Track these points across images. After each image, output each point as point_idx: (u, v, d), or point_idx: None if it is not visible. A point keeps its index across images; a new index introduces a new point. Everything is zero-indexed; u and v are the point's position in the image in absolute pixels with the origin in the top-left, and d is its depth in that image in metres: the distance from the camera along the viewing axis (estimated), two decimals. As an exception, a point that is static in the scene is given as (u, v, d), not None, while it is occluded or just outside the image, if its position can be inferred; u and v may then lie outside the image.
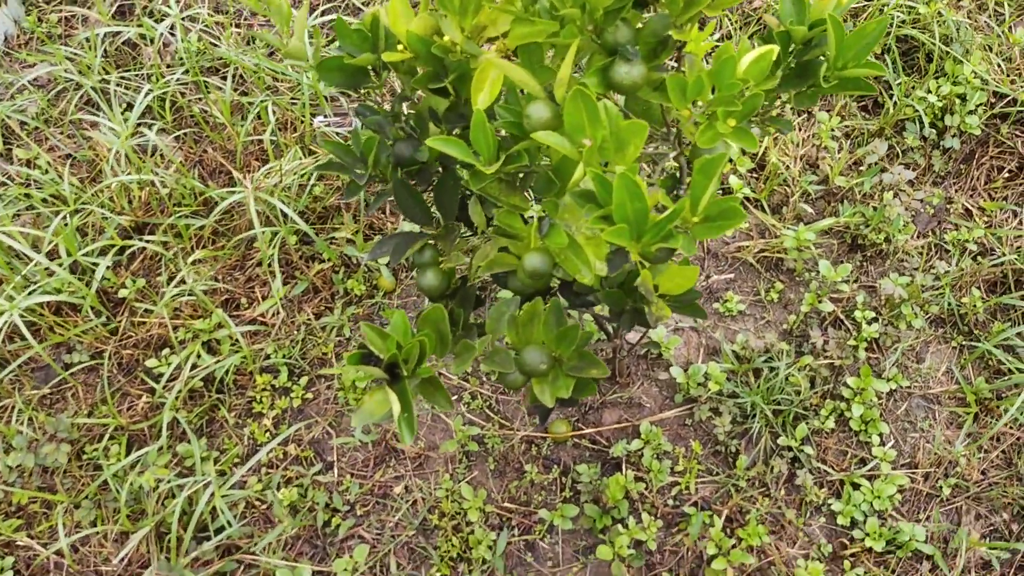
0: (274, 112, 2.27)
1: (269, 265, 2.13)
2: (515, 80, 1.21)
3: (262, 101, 2.26)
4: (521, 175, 1.32)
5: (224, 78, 2.39)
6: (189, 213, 2.18)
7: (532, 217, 1.38)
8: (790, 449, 1.93)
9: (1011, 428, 1.93)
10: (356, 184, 1.50)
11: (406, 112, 1.56)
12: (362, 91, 1.50)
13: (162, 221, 2.17)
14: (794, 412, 1.94)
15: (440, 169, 1.56)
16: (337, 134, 2.27)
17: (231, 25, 2.50)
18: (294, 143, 2.24)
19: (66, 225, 2.12)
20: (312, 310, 2.13)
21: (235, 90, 2.37)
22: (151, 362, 2.04)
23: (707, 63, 1.20)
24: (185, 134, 2.33)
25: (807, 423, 1.93)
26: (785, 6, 1.22)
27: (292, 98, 2.32)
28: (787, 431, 1.93)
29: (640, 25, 1.18)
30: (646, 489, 1.87)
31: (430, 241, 1.56)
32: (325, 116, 2.31)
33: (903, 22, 2.31)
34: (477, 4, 1.28)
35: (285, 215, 2.11)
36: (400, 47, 1.38)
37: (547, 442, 1.96)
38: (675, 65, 2.19)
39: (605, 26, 1.15)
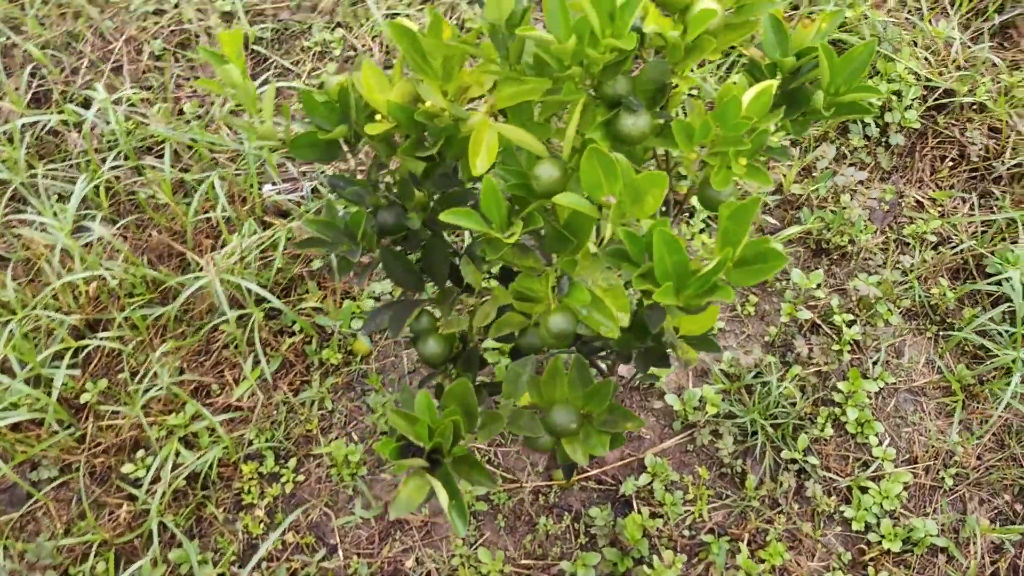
0: (221, 186, 2.18)
1: (237, 346, 2.04)
2: (517, 142, 1.18)
3: (207, 176, 2.17)
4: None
5: (160, 156, 2.29)
6: (144, 303, 2.08)
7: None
8: (795, 461, 1.94)
9: (999, 412, 1.98)
10: (348, 261, 1.44)
11: (383, 179, 1.51)
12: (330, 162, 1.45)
13: (115, 315, 2.05)
14: (792, 423, 1.95)
15: (428, 233, 1.52)
16: (290, 201, 2.19)
17: (158, 100, 2.40)
18: (246, 216, 2.16)
19: (13, 334, 1.99)
20: (288, 387, 2.05)
21: (173, 167, 2.27)
22: (127, 467, 1.92)
23: (691, 99, 1.20)
24: (127, 220, 2.22)
25: (806, 433, 1.95)
26: (768, 37, 1.22)
27: (236, 169, 2.23)
28: (788, 443, 1.94)
29: (635, 72, 1.17)
30: (663, 524, 1.85)
31: (426, 307, 1.51)
32: (274, 184, 2.24)
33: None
34: (458, 62, 1.25)
35: (251, 292, 2.02)
36: (379, 117, 1.34)
37: (553, 489, 1.92)
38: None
39: (604, 80, 1.12)
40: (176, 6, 2.47)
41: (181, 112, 2.35)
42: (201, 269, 2.03)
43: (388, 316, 1.52)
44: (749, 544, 1.85)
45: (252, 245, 2.01)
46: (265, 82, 2.42)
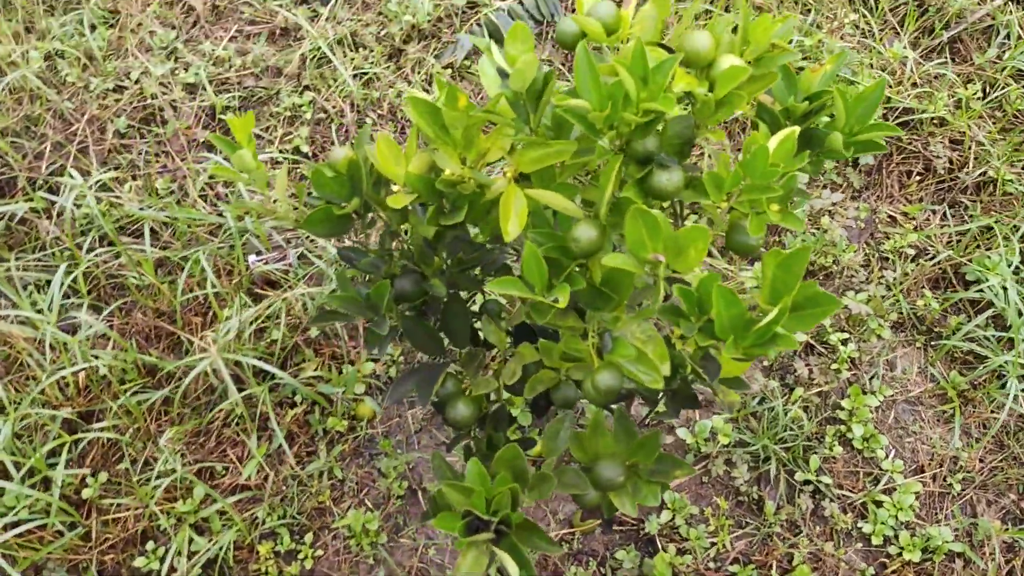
0: (207, 261, 2.14)
1: (239, 424, 2.00)
2: (552, 206, 1.19)
3: (191, 253, 2.13)
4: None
5: (136, 236, 2.24)
6: (137, 389, 2.02)
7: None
8: (808, 482, 1.97)
9: (995, 412, 2.05)
10: (377, 335, 1.43)
11: (395, 247, 1.51)
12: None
13: (109, 404, 1.99)
14: (802, 445, 1.99)
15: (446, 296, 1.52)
16: (277, 271, 2.16)
17: (128, 179, 2.36)
18: (235, 289, 2.12)
19: (3, 435, 1.92)
20: (296, 459, 2.01)
21: (152, 246, 2.22)
22: (139, 561, 1.86)
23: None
24: (112, 307, 2.17)
25: (816, 453, 1.98)
26: (779, 84, 1.26)
27: (220, 242, 2.20)
28: (800, 465, 1.97)
29: (660, 128, 1.19)
30: (692, 559, 1.86)
31: (450, 370, 1.51)
32: (259, 254, 2.20)
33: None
34: (477, 130, 1.26)
35: (251, 367, 1.98)
36: (396, 188, 1.34)
37: (576, 536, 1.92)
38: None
39: (634, 139, 1.14)
40: (137, 82, 2.43)
41: (155, 190, 2.31)
42: (194, 348, 1.99)
43: (413, 383, 1.51)
44: (775, 570, 1.87)
45: (248, 320, 1.98)
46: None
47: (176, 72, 2.46)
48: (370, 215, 1.47)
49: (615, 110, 1.06)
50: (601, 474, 1.30)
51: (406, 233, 1.51)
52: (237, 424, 2.01)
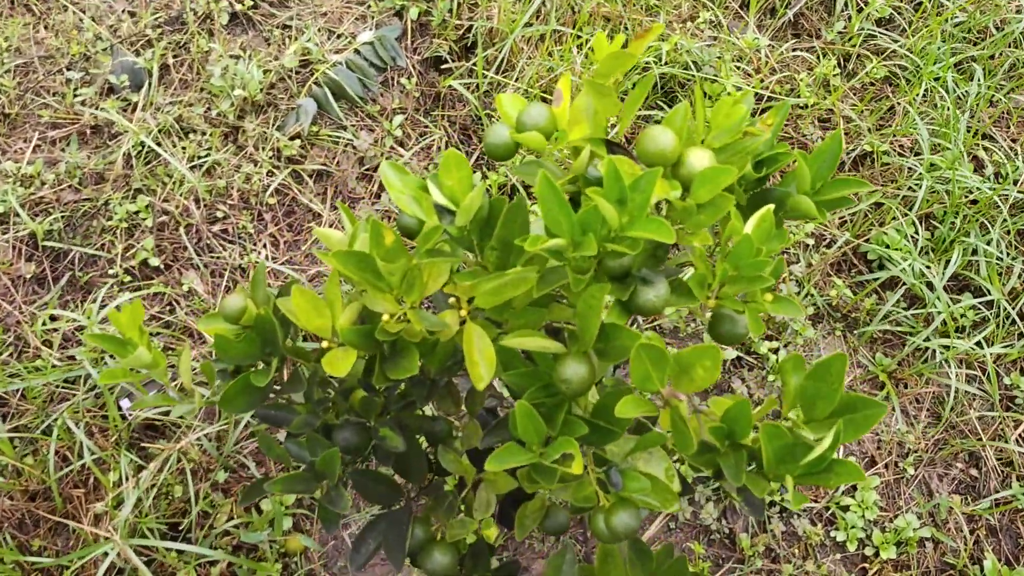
0: (77, 425, 1.84)
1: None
2: (531, 348, 1.03)
3: (52, 418, 1.82)
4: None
5: (-23, 408, 1.90)
6: (25, 592, 1.71)
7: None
8: (773, 503, 1.92)
9: (924, 387, 2.07)
10: (332, 513, 1.23)
11: (331, 395, 1.32)
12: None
13: (-5, 620, 1.68)
14: (759, 468, 1.93)
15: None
16: (159, 414, 1.89)
17: (-52, 340, 1.99)
18: (115, 448, 1.83)
19: None
20: (233, 622, 1.77)
21: (2, 416, 1.89)
22: None
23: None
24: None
25: (774, 472, 1.93)
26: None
27: (84, 394, 1.89)
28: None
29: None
30: (687, 622, 1.77)
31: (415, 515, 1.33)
32: (129, 397, 1.92)
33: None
34: (419, 272, 1.09)
35: (161, 533, 1.72)
36: (324, 344, 1.15)
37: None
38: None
39: (608, 258, 1.00)
40: (-69, 222, 2.05)
41: (-14, 349, 1.96)
42: (87, 533, 1.70)
43: (377, 541, 1.33)
44: (769, 606, 1.82)
45: (145, 486, 1.71)
46: (72, 281, 2.07)
47: (-22, 203, 2.10)
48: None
49: (591, 243, 0.92)
50: (624, 612, 1.17)
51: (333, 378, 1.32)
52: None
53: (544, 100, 2.36)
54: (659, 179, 0.96)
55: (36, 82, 2.32)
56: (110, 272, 2.07)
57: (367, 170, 2.34)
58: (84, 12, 2.44)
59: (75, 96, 2.28)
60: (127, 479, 1.76)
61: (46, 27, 2.43)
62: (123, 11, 2.45)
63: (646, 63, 2.30)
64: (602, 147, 1.07)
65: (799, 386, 0.95)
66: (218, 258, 2.13)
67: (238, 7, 2.43)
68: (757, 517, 1.06)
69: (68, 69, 2.34)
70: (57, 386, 1.90)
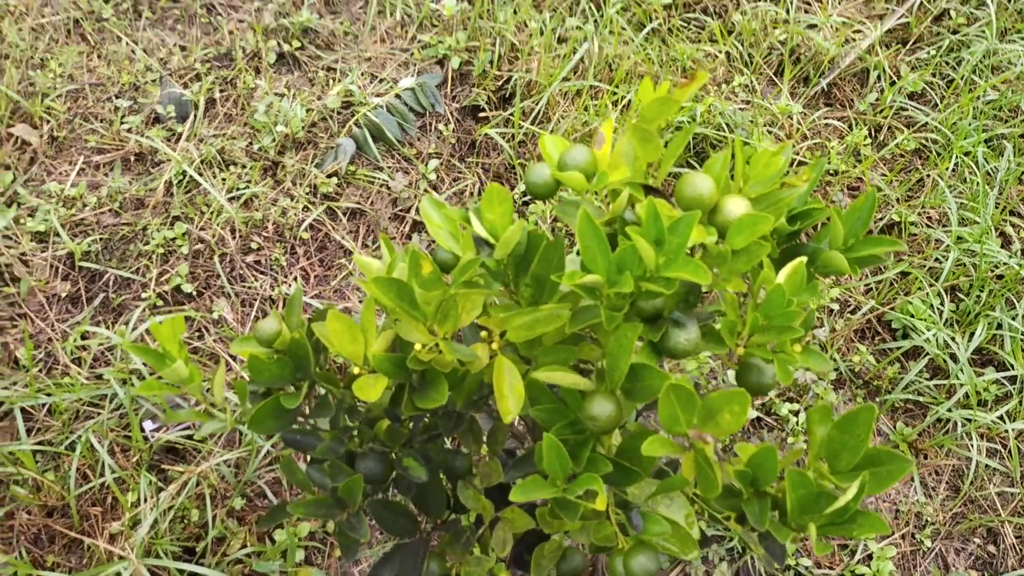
0: (101, 443, 1.86)
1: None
2: (560, 383, 1.05)
3: (79, 432, 1.84)
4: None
5: (4, 418, 1.92)
6: (35, 607, 1.71)
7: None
8: (789, 567, 1.90)
9: (944, 459, 2.05)
10: (353, 540, 1.24)
11: (357, 424, 1.33)
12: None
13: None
14: (775, 530, 1.92)
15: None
16: (182, 437, 1.90)
17: (-19, 352, 2.03)
18: (136, 469, 1.85)
19: None
20: (238, 652, 1.75)
21: (27, 430, 1.91)
22: None
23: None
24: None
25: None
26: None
27: (109, 413, 1.91)
28: (778, 551, 1.90)
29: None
30: None
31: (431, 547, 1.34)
32: (155, 420, 1.94)
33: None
34: (455, 303, 1.11)
35: (175, 555, 1.72)
36: (356, 370, 1.17)
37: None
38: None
39: (642, 299, 1.02)
40: (-25, 236, 2.11)
41: (16, 362, 1.99)
42: (101, 551, 1.70)
43: (392, 573, 1.33)
44: (779, 671, 1.79)
45: (163, 508, 1.72)
46: (105, 302, 2.11)
47: (21, 221, 2.15)
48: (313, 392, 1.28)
49: (628, 281, 0.94)
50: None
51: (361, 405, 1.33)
52: (162, 625, 1.74)
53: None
54: (696, 223, 0.98)
55: (85, 108, 2.40)
56: (143, 296, 2.11)
57: (400, 211, 2.38)
58: (137, 43, 2.52)
59: (122, 123, 2.35)
60: (145, 500, 1.77)
61: (99, 56, 2.52)
62: (175, 44, 2.54)
63: (679, 122, 2.34)
64: (640, 190, 1.09)
65: (825, 436, 0.96)
66: (249, 288, 2.17)
67: (286, 48, 2.51)
68: (777, 565, 1.06)
69: (117, 97, 2.42)
70: (83, 404, 1.92)
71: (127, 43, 2.51)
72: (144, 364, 1.98)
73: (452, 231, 1.13)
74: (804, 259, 1.08)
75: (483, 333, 1.16)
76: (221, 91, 2.43)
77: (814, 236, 1.21)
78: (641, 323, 1.05)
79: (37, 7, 2.57)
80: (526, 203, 2.39)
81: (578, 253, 1.27)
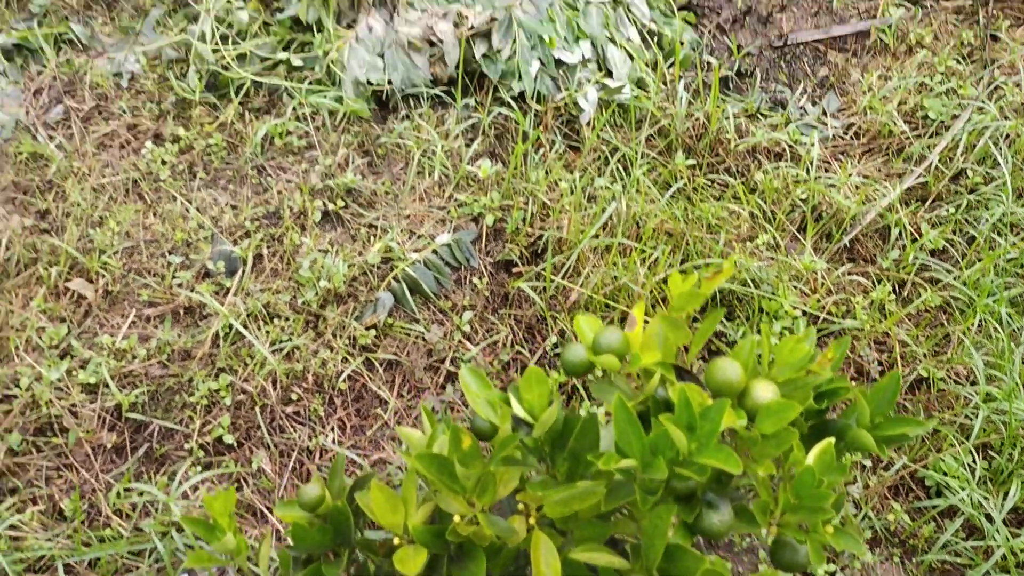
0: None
1: None
2: (598, 563, 1.08)
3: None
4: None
5: (45, 572, 1.95)
6: None
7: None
8: None
9: (989, 624, 2.01)
10: None
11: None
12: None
13: None
14: None
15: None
16: (216, 591, 1.92)
17: (29, 503, 2.08)
18: (170, 624, 1.86)
19: None
20: None
21: (64, 583, 1.94)
22: None
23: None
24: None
25: None
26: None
27: (148, 567, 1.94)
28: None
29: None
30: None
31: None
32: (190, 573, 1.96)
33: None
34: (493, 478, 1.15)
35: None
36: (396, 540, 1.21)
37: None
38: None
39: (676, 480, 1.06)
40: (28, 389, 2.19)
41: (60, 513, 2.04)
42: None
43: None
44: None
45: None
46: (149, 453, 2.17)
47: (72, 372, 2.24)
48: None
49: (662, 466, 0.98)
50: None
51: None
52: None
53: (608, 307, 2.49)
54: (730, 412, 1.04)
55: (139, 263, 2.53)
56: (186, 447, 2.17)
57: (434, 361, 2.45)
58: (191, 203, 2.68)
59: (173, 278, 2.47)
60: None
61: (155, 214, 2.67)
62: (226, 204, 2.69)
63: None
64: (671, 372, 1.15)
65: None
66: (288, 439, 2.22)
67: (330, 207, 2.65)
68: None
69: (170, 253, 2.55)
70: (123, 557, 1.95)
71: (182, 202, 2.67)
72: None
73: (490, 401, 1.19)
74: (832, 440, 1.13)
75: (520, 505, 1.20)
76: (268, 247, 2.56)
77: (843, 412, 1.25)
78: (675, 503, 1.08)
79: (99, 168, 2.75)
80: (556, 355, 2.45)
81: (609, 421, 1.31)
